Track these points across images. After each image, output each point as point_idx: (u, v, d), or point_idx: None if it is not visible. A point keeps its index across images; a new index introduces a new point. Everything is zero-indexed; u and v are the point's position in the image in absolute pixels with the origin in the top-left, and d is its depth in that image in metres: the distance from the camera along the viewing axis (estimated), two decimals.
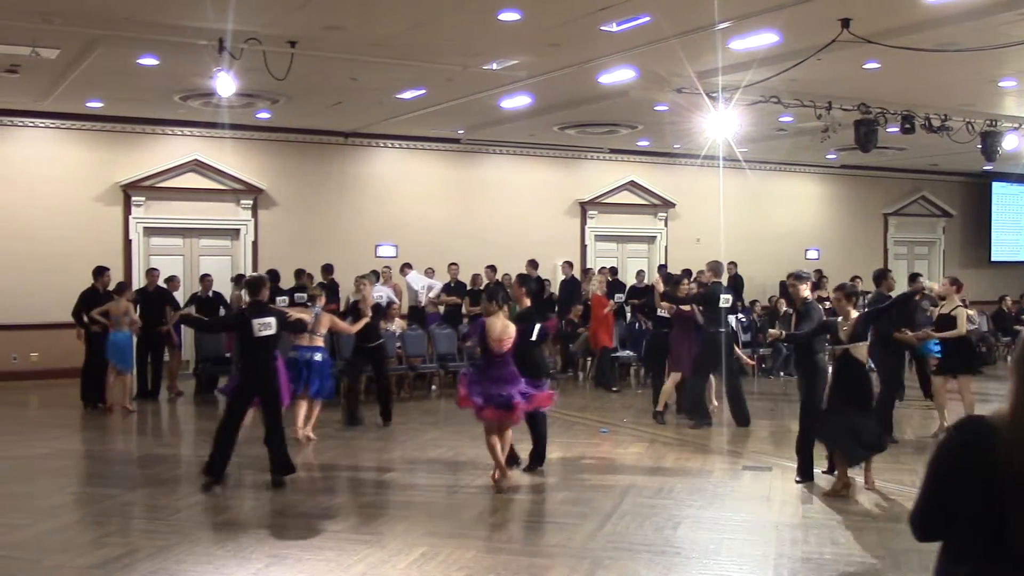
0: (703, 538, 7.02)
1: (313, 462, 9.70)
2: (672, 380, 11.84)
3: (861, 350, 8.36)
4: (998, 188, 24.83)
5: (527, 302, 9.16)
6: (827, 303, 12.01)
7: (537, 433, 9.11)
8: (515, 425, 8.61)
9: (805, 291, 9.03)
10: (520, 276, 9.67)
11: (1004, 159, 17.63)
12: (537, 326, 8.97)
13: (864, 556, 6.52)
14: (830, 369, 8.82)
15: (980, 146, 15.80)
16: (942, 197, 25.14)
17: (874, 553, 6.56)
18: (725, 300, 11.63)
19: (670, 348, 11.92)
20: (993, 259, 24.72)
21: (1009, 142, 15.89)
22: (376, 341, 11.89)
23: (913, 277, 13.45)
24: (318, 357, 10.61)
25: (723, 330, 11.50)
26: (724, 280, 12.48)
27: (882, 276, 11.48)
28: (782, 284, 20.40)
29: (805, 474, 8.73)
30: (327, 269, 15.97)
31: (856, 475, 8.51)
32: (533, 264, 17.38)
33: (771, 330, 9.66)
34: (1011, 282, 23.47)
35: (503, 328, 8.32)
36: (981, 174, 23.87)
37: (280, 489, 8.39)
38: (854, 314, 8.45)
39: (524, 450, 9.23)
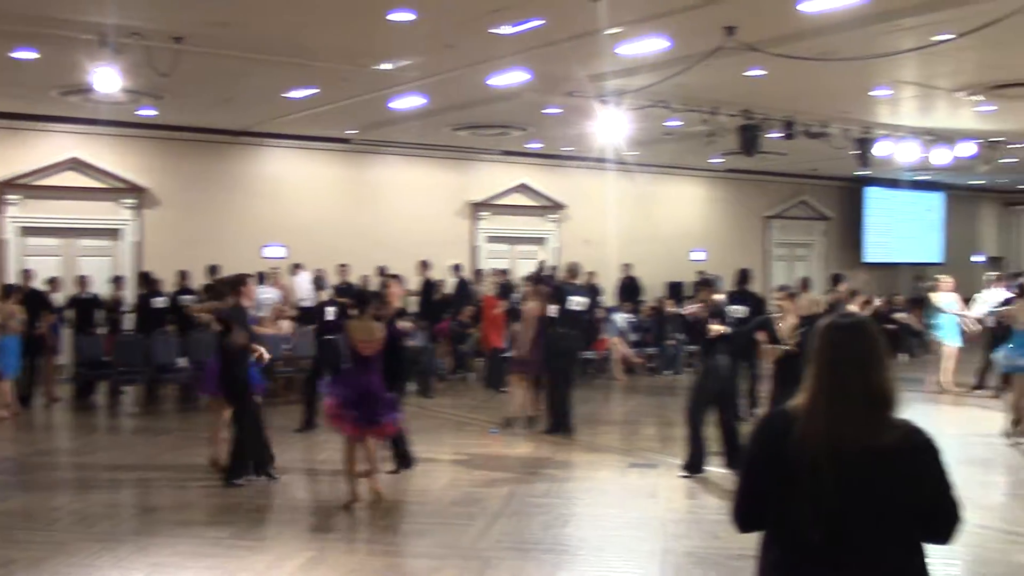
0: (591, 535, 7.14)
1: (196, 464, 9.45)
2: (520, 382, 11.67)
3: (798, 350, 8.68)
4: (871, 192, 25.91)
5: (397, 303, 9.06)
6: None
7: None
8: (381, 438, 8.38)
9: (715, 295, 9.43)
10: (392, 276, 9.55)
11: (876, 165, 18.38)
12: (406, 325, 8.88)
13: (743, 549, 6.69)
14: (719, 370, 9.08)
15: (855, 152, 16.45)
16: (821, 201, 26.09)
17: (752, 545, 6.73)
18: (579, 303, 11.47)
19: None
20: (864, 260, 25.75)
21: (881, 148, 16.57)
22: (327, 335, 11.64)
23: (836, 278, 14.21)
24: None
25: (570, 332, 11.33)
26: (611, 283, 12.59)
27: (743, 276, 12.14)
28: (669, 285, 20.97)
29: (693, 467, 8.96)
30: (212, 270, 15.65)
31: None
32: (425, 265, 17.36)
33: (713, 326, 9.63)
34: (881, 282, 24.47)
35: (368, 330, 8.06)
36: (855, 179, 24.82)
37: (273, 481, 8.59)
38: (793, 315, 8.74)
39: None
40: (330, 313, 11.42)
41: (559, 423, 11.19)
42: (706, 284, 9.56)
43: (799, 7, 9.35)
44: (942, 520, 2.64)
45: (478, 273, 18.67)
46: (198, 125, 16.87)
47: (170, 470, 9.35)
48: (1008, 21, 8.72)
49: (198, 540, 6.90)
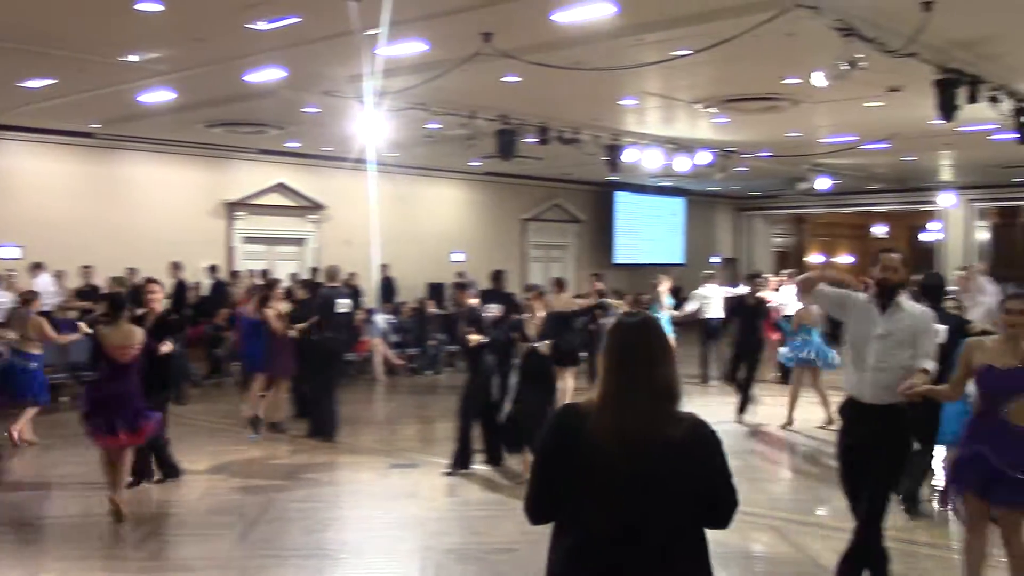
0: (352, 538, 7.12)
1: None
2: (259, 384, 11.47)
3: (545, 347, 8.94)
4: (620, 197, 27.29)
5: (158, 307, 8.70)
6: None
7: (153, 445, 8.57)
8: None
9: (469, 299, 9.63)
10: (148, 279, 9.19)
11: (624, 170, 19.37)
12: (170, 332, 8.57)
13: (501, 543, 6.91)
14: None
15: (605, 158, 17.28)
16: (576, 204, 27.18)
17: (511, 538, 6.96)
18: (345, 305, 11.42)
19: (271, 355, 11.48)
20: (615, 262, 27.07)
21: (628, 155, 17.50)
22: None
23: (597, 277, 14.87)
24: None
25: (333, 336, 11.19)
26: (372, 284, 12.59)
27: (497, 277, 12.72)
28: (430, 286, 21.19)
29: (459, 464, 9.11)
30: None
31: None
32: (177, 266, 16.65)
33: (472, 336, 9.69)
34: (629, 282, 25.77)
35: (125, 336, 7.62)
36: (606, 184, 26.01)
37: None
38: (541, 313, 9.05)
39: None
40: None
41: (321, 426, 11.06)
42: (461, 287, 9.80)
43: (552, 17, 9.70)
44: (722, 507, 2.84)
45: (234, 275, 18.11)
46: None
47: None
48: (738, 40, 9.41)
49: None
